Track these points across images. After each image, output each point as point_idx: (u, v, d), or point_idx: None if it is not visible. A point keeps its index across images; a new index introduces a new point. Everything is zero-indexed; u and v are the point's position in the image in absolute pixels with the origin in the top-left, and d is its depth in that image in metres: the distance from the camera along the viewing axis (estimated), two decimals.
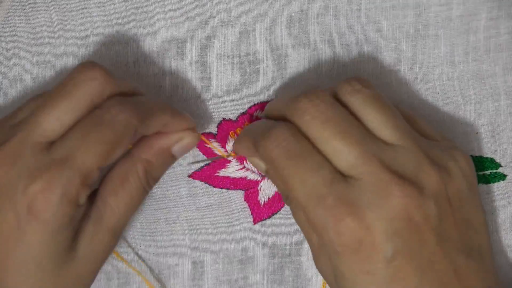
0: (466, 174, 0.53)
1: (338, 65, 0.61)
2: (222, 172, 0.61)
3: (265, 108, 0.58)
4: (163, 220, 0.61)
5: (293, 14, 0.60)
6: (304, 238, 0.58)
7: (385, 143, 0.52)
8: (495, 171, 0.61)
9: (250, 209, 0.61)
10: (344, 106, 0.53)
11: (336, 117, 0.52)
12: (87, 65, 0.53)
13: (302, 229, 0.55)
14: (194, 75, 0.60)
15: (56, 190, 0.50)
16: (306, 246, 0.61)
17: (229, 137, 0.61)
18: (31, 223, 0.50)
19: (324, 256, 0.53)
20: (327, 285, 0.60)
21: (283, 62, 0.61)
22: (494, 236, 0.62)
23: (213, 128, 0.61)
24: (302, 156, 0.51)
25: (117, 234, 0.54)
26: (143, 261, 0.61)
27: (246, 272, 0.62)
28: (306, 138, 0.52)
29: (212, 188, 0.61)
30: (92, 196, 0.54)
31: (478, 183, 0.61)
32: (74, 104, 0.52)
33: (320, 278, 0.62)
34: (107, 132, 0.51)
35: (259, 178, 0.61)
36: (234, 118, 0.61)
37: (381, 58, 0.61)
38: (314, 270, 0.61)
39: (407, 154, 0.52)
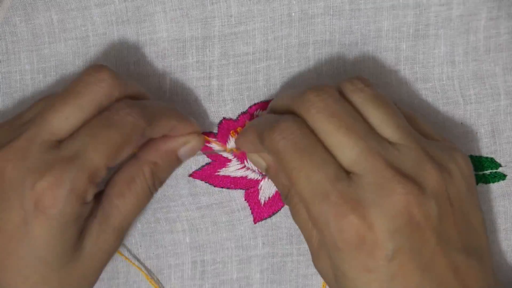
0: (465, 174, 0.54)
1: (338, 65, 0.61)
2: (223, 172, 0.61)
3: (271, 102, 0.58)
4: (164, 220, 0.61)
5: (293, 14, 0.60)
6: None
7: (387, 141, 0.52)
8: (495, 171, 0.62)
9: (251, 209, 0.61)
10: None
11: (342, 112, 0.52)
12: (96, 67, 0.54)
13: (302, 228, 0.55)
14: (194, 75, 0.60)
15: (64, 186, 0.50)
16: (306, 246, 0.60)
17: (230, 136, 0.61)
18: (38, 219, 0.50)
19: (324, 255, 0.53)
20: (327, 285, 0.60)
21: (283, 61, 0.61)
22: (494, 236, 0.62)
23: (213, 127, 0.61)
24: (308, 151, 0.51)
25: (122, 235, 0.55)
26: (141, 260, 0.61)
27: (246, 272, 0.62)
28: (312, 132, 0.52)
29: (213, 187, 0.61)
30: (98, 197, 0.54)
31: (478, 183, 0.61)
32: (83, 104, 0.52)
33: (321, 277, 0.61)
34: (115, 132, 0.52)
35: (260, 178, 0.61)
36: (234, 118, 0.61)
37: (381, 58, 0.61)
38: (314, 269, 0.61)
39: (409, 153, 0.52)
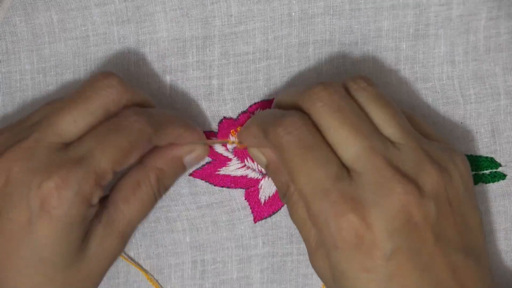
0: (463, 175, 0.54)
1: (338, 64, 0.61)
2: (223, 171, 0.61)
3: (277, 97, 0.58)
4: (164, 219, 0.61)
5: (293, 13, 0.60)
6: None
7: (389, 141, 0.52)
8: (495, 170, 0.62)
9: (251, 208, 0.61)
10: None
11: (347, 108, 0.52)
12: (105, 73, 0.54)
13: (300, 227, 0.55)
14: (194, 74, 0.61)
15: (71, 187, 0.50)
16: None
17: (230, 135, 0.61)
18: (43, 219, 0.50)
19: (322, 254, 0.54)
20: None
21: (283, 61, 0.61)
22: (494, 236, 0.62)
23: (214, 127, 0.61)
24: (311, 148, 0.52)
25: (126, 239, 0.55)
26: (142, 260, 0.61)
27: (246, 271, 0.62)
28: (317, 129, 0.53)
29: (213, 186, 0.61)
30: (103, 202, 0.54)
31: (477, 183, 0.61)
32: (92, 108, 0.53)
33: None
34: (123, 138, 0.52)
35: (260, 177, 0.61)
36: (234, 117, 0.61)
37: (381, 58, 0.61)
38: None
39: (409, 153, 0.52)
